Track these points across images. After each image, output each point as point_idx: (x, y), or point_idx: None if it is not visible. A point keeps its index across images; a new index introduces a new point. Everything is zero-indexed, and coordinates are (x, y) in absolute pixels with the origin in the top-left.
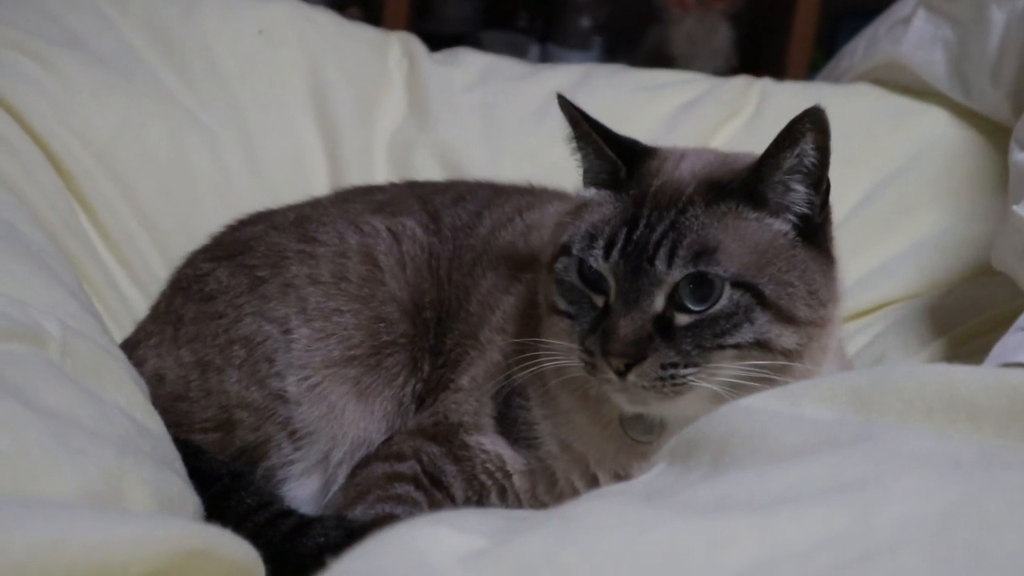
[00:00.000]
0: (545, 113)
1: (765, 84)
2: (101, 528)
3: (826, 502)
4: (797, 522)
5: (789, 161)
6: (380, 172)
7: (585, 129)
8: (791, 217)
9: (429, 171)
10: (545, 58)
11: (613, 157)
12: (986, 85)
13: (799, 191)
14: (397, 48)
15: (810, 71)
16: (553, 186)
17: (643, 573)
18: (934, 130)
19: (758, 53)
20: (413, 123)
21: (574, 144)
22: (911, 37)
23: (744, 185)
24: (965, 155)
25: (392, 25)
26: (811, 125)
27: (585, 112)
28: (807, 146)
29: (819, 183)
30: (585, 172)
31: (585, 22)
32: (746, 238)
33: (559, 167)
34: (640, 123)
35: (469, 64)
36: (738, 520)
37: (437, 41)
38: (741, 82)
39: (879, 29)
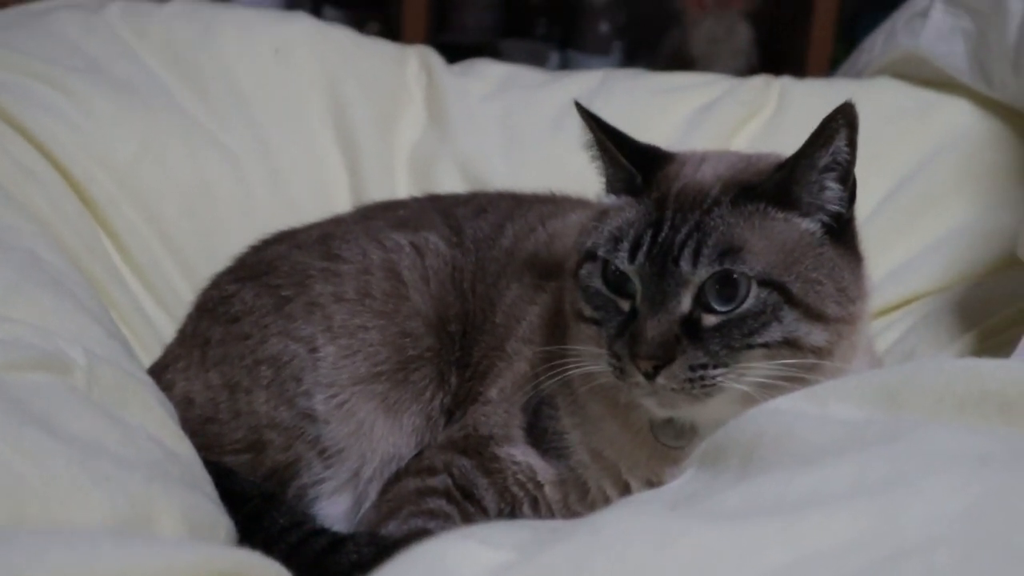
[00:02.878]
0: (564, 121)
1: (785, 82)
2: (126, 556)
3: (853, 503)
4: (824, 525)
5: (824, 160)
6: (401, 186)
7: (600, 137)
8: (823, 216)
9: (450, 183)
10: (565, 64)
11: (627, 165)
12: (1007, 74)
13: (833, 188)
14: (415, 61)
15: (832, 67)
16: (575, 194)
17: None
18: (957, 122)
19: (779, 51)
20: (433, 136)
21: (592, 151)
22: (930, 29)
23: (775, 186)
24: (989, 146)
25: (412, 38)
26: (843, 121)
27: (601, 119)
28: (840, 143)
29: (847, 178)
30: (606, 179)
31: (604, 27)
32: (773, 237)
33: (580, 175)
34: (659, 127)
35: (487, 75)
36: (765, 525)
37: (457, 52)
38: (760, 81)
39: (897, 22)
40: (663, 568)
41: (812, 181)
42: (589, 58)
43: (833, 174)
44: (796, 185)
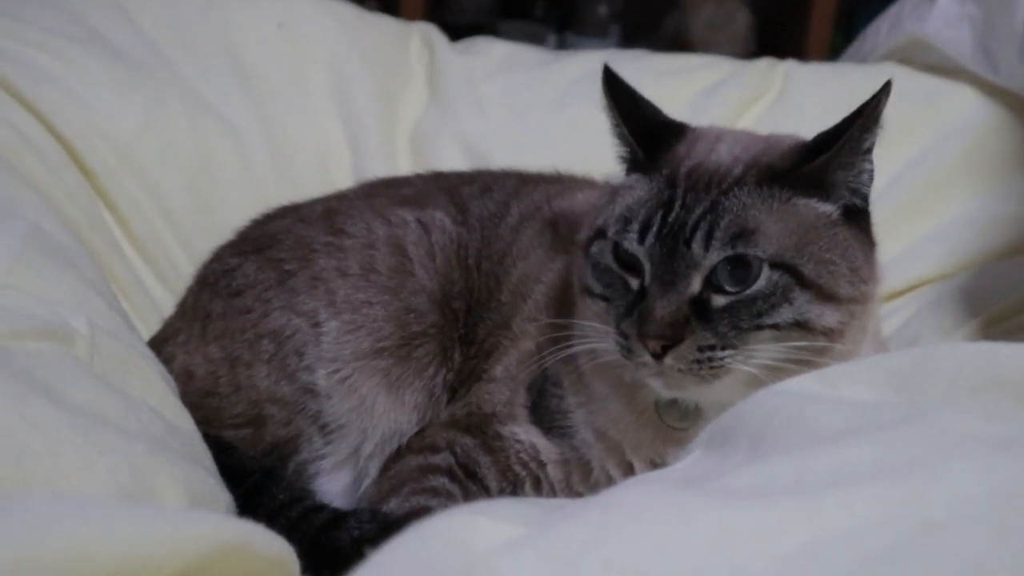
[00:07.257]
0: (567, 100)
1: (789, 66)
2: (137, 524)
3: (876, 484)
4: (847, 505)
5: (869, 141)
6: (403, 163)
7: (611, 110)
8: (856, 199)
9: (452, 161)
10: (563, 47)
11: (632, 143)
12: (1014, 61)
13: (869, 170)
14: (417, 38)
15: (830, 55)
16: (579, 173)
17: (689, 560)
18: (963, 108)
19: (778, 37)
20: (435, 113)
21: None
22: (936, 15)
23: (816, 171)
24: (995, 133)
25: (410, 16)
26: (887, 100)
27: (618, 94)
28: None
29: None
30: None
31: (603, 10)
32: (788, 220)
33: (581, 153)
34: (663, 108)
35: (489, 53)
36: (784, 504)
37: (454, 32)
38: (764, 64)
39: (903, 8)
40: (681, 545)
41: (853, 164)
42: (587, 41)
43: (870, 155)
44: (839, 169)
